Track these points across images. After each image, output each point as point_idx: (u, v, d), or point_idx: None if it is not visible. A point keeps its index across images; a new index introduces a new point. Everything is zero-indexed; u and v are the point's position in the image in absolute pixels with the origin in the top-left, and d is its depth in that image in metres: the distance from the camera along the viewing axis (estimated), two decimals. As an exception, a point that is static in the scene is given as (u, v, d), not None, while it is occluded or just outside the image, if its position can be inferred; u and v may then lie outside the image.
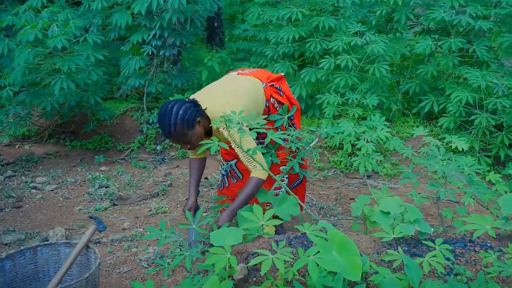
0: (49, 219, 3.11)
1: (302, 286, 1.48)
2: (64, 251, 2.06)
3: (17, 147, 4.52)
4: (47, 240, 2.75)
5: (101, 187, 3.64)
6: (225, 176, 2.70)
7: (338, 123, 3.64)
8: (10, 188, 3.59)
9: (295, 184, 2.74)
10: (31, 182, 3.74)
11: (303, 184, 2.79)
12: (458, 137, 2.75)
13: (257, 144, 2.19)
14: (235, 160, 2.59)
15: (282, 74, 2.65)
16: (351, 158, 3.97)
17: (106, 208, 3.31)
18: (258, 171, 2.20)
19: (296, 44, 4.57)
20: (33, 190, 3.58)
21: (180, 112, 2.11)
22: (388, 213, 1.91)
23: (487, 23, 4.04)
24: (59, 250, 2.06)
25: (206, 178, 3.96)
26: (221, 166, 2.71)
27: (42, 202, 3.39)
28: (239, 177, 2.64)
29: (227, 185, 2.70)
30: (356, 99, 4.13)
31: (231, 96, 2.26)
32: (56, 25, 3.64)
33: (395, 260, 1.63)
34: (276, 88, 2.53)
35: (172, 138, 2.18)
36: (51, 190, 3.61)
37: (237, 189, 2.59)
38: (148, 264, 2.53)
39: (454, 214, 2.46)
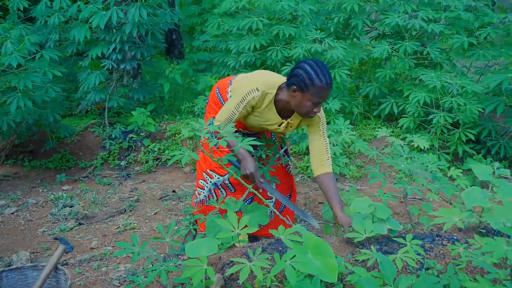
0: (11, 243, 2.98)
1: (280, 292, 1.48)
2: (31, 275, 1.97)
3: (-28, 170, 4.32)
4: (11, 265, 2.63)
5: (65, 207, 3.52)
6: (212, 190, 2.57)
7: (303, 129, 3.68)
8: (-33, 213, 3.42)
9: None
10: (-10, 206, 3.57)
11: (292, 198, 2.71)
12: (419, 136, 2.85)
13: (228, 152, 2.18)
14: (228, 175, 2.47)
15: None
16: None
17: (72, 228, 3.20)
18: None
19: (257, 52, 4.61)
20: (-8, 214, 3.43)
21: None
22: (359, 213, 1.94)
23: (438, 26, 4.22)
24: (26, 274, 1.97)
25: (173, 191, 3.91)
26: (209, 180, 2.56)
27: (3, 226, 3.25)
28: (231, 190, 2.54)
29: (214, 198, 2.57)
30: (319, 104, 4.20)
31: None
32: (10, 41, 3.52)
33: (369, 259, 1.66)
34: None
35: (331, 88, 2.10)
36: (11, 213, 3.46)
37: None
38: (120, 283, 2.46)
39: (420, 211, 2.53)
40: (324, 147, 2.26)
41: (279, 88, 2.19)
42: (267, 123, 2.27)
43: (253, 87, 2.16)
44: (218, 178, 2.52)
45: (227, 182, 2.53)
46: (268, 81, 2.20)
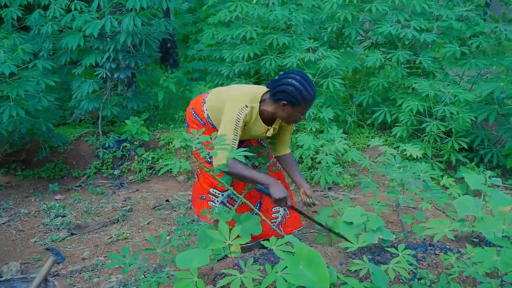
0: (2, 254, 2.95)
1: (272, 303, 1.47)
2: (20, 287, 1.95)
3: (-37, 180, 4.29)
4: (1, 277, 2.60)
5: (57, 217, 3.50)
6: (223, 207, 2.59)
7: (297, 138, 3.69)
8: (-42, 224, 3.39)
9: None
10: (-19, 216, 3.54)
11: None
12: (412, 145, 2.86)
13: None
14: (228, 191, 2.52)
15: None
16: (311, 172, 4.02)
17: (64, 238, 3.17)
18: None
19: (251, 61, 4.62)
20: (-17, 225, 3.40)
21: None
22: (351, 223, 1.94)
23: (430, 35, 4.25)
24: (15, 286, 1.95)
25: (167, 200, 3.89)
26: (219, 196, 2.58)
27: (-6, 236, 3.22)
28: (239, 203, 2.55)
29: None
30: (313, 113, 4.21)
31: None
32: (3, 50, 3.51)
33: (361, 269, 1.65)
34: None
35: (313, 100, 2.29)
36: (3, 223, 3.43)
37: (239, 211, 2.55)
38: (111, 294, 2.44)
39: (413, 220, 2.53)
40: (288, 140, 2.60)
41: (261, 100, 2.32)
42: (256, 133, 2.40)
43: (242, 105, 2.25)
44: (223, 195, 2.54)
45: (232, 195, 2.55)
46: (250, 95, 2.31)
